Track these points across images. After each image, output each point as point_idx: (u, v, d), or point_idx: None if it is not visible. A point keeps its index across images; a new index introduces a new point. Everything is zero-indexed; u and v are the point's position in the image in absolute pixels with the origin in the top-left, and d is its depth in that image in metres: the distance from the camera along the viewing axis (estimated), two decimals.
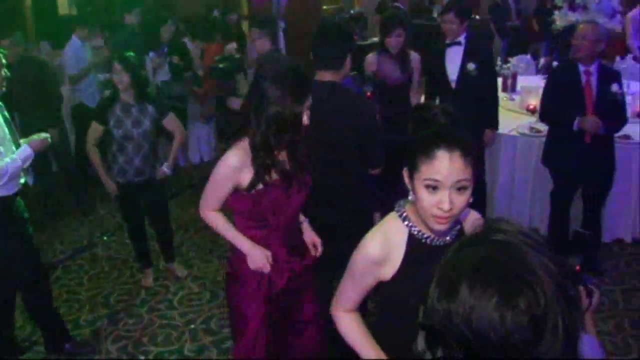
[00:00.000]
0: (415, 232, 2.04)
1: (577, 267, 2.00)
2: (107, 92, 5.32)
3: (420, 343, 1.08)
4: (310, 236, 3.07)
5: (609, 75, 4.76)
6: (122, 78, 4.44)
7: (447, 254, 1.12)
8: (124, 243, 5.72)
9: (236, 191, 2.74)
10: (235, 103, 5.25)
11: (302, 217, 3.05)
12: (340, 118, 3.32)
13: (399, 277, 2.06)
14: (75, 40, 6.66)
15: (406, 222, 2.05)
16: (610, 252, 5.39)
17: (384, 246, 2.06)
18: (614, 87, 4.68)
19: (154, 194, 4.86)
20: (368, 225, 2.50)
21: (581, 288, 1.86)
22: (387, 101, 5.14)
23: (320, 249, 3.03)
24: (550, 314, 1.00)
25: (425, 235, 2.03)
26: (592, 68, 4.69)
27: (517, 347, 0.99)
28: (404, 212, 2.07)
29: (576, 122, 4.60)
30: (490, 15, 12.06)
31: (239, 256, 2.90)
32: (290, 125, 2.61)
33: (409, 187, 1.96)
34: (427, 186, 1.85)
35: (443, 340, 1.03)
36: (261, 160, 2.66)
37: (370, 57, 5.28)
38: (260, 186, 2.70)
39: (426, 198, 1.86)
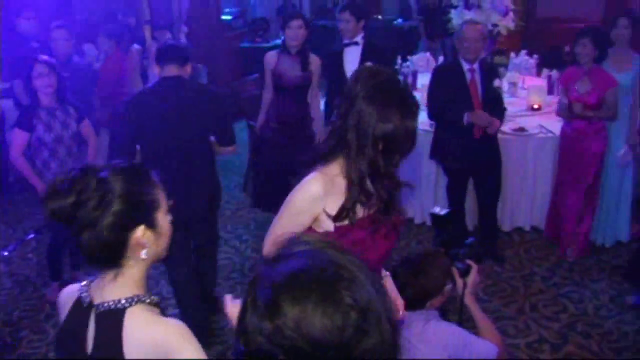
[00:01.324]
0: None
1: (442, 249, 2.07)
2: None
3: None
4: (392, 293, 2.47)
5: (490, 71, 5.05)
6: (48, 81, 4.33)
7: (257, 273, 1.12)
8: (26, 258, 5.53)
9: (310, 228, 2.30)
10: None
11: (384, 272, 2.54)
12: (189, 108, 3.72)
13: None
14: None
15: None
16: (510, 240, 5.61)
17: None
18: (496, 82, 4.96)
19: None
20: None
21: (454, 269, 1.94)
22: (285, 101, 5.15)
23: (402, 310, 2.41)
24: (372, 303, 1.05)
25: None
26: (476, 66, 4.92)
27: (352, 342, 1.02)
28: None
29: (465, 117, 4.79)
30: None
31: None
32: (403, 145, 2.22)
33: None
34: None
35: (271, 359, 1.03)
36: (357, 192, 2.23)
37: (270, 55, 5.21)
38: (345, 222, 2.26)
39: None
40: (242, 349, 1.07)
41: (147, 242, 1.70)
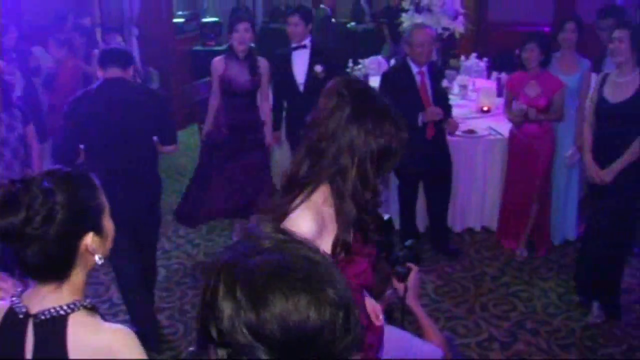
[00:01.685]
0: None
1: (383, 254, 2.05)
2: None
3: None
4: (370, 304, 2.30)
5: (437, 73, 5.19)
6: None
7: (217, 264, 1.11)
8: None
9: None
10: None
11: None
12: (132, 108, 3.82)
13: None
14: None
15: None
16: (462, 241, 5.67)
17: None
18: (445, 82, 5.05)
19: None
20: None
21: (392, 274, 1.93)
22: (234, 106, 5.10)
23: (381, 317, 2.27)
24: (351, 301, 1.07)
25: None
26: (425, 68, 5.00)
27: (337, 338, 1.03)
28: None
29: (420, 117, 4.84)
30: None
31: None
32: (396, 158, 2.04)
33: None
34: None
35: (248, 351, 1.02)
36: (353, 219, 1.99)
37: (217, 61, 5.14)
38: (342, 255, 2.00)
39: None
40: (202, 342, 1.07)
41: (96, 248, 1.67)
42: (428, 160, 4.96)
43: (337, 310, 1.03)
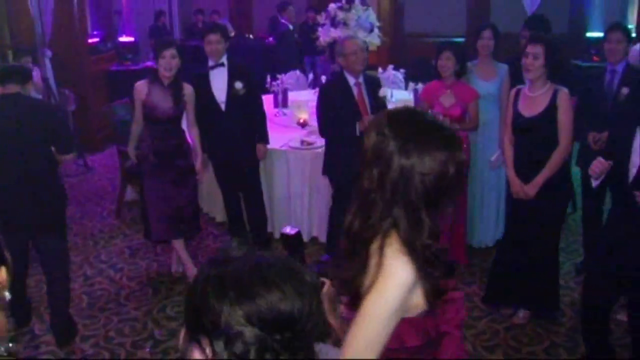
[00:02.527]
0: None
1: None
2: None
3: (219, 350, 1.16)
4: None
5: (374, 83, 5.25)
6: None
7: (205, 272, 1.23)
8: None
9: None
10: None
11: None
12: (26, 121, 4.02)
13: None
14: None
15: None
16: None
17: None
18: (382, 92, 5.15)
19: None
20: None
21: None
22: (157, 133, 4.94)
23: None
24: (319, 288, 1.25)
25: None
26: (361, 79, 5.07)
27: (309, 318, 1.17)
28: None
29: (358, 126, 4.88)
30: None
31: None
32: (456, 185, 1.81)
33: None
34: None
35: (242, 336, 1.14)
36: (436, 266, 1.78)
37: (140, 85, 4.95)
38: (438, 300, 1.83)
39: None
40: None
41: (4, 280, 1.56)
42: None
43: (313, 292, 1.20)
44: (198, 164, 5.16)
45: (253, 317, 1.14)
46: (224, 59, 5.23)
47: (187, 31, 12.87)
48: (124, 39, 10.86)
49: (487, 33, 5.37)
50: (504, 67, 5.45)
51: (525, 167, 4.27)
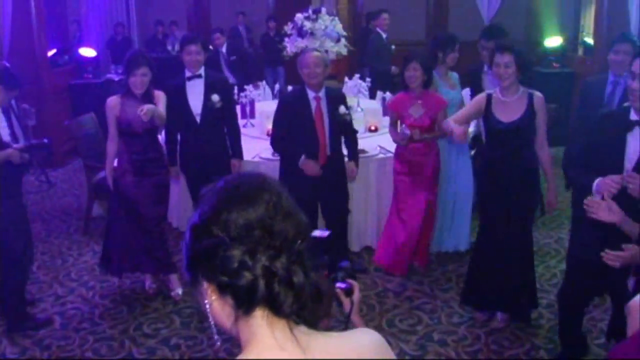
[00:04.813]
0: None
1: (325, 272, 2.04)
2: None
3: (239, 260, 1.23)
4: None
5: (336, 98, 5.13)
6: None
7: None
8: None
9: None
10: None
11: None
12: None
13: None
14: None
15: None
16: (361, 259, 5.74)
17: None
18: (342, 109, 5.05)
19: None
20: None
21: (338, 291, 1.93)
22: (137, 146, 4.86)
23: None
24: (283, 200, 1.33)
25: None
26: (322, 93, 5.00)
27: (273, 223, 1.26)
28: None
29: (300, 161, 4.91)
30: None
31: None
32: None
33: None
34: None
35: (221, 243, 1.22)
36: None
37: (112, 101, 4.85)
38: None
39: None
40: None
41: None
42: (323, 183, 4.95)
43: (268, 200, 1.28)
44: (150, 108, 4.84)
45: (224, 228, 1.23)
46: (202, 71, 5.19)
47: (146, 42, 12.73)
48: (83, 51, 10.63)
49: (458, 46, 5.56)
50: (454, 75, 5.68)
51: (499, 170, 4.34)
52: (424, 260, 5.51)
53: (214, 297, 1.25)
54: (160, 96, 4.91)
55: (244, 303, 1.22)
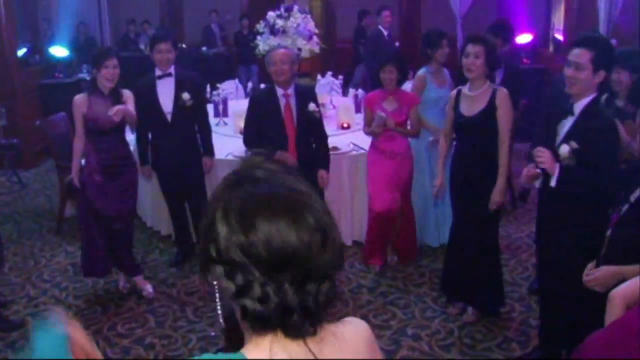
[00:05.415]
0: None
1: None
2: None
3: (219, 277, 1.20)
4: None
5: (305, 95, 5.13)
6: None
7: (220, 188, 1.26)
8: None
9: None
10: None
11: None
12: None
13: None
14: None
15: None
16: None
17: None
18: (311, 106, 5.05)
19: None
20: None
21: None
22: (103, 146, 4.81)
23: None
24: (328, 226, 1.22)
25: None
26: (290, 90, 5.01)
27: (313, 256, 1.18)
28: None
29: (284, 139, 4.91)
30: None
31: None
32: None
33: None
34: None
35: (242, 267, 1.16)
36: None
37: (79, 98, 4.81)
38: None
39: None
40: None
41: None
42: None
43: (315, 233, 1.18)
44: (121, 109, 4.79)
45: (247, 250, 1.15)
46: (172, 69, 5.17)
47: (118, 41, 12.64)
48: (54, 50, 10.52)
49: (445, 42, 5.56)
50: (446, 72, 5.68)
51: (469, 164, 4.39)
52: (412, 255, 5.58)
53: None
54: (129, 96, 4.87)
55: (256, 325, 1.20)
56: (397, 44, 9.70)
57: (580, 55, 3.43)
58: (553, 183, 3.50)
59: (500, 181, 4.30)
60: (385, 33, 9.67)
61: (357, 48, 10.80)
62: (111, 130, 4.79)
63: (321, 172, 5.10)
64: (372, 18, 10.53)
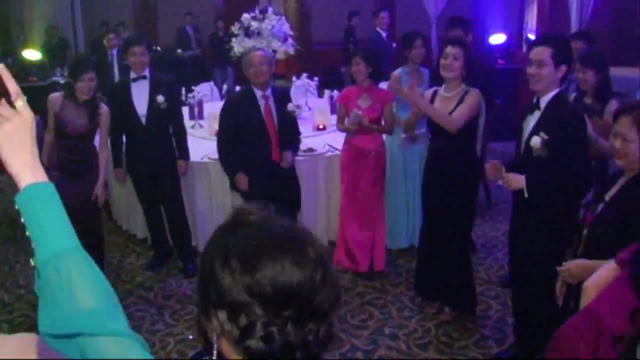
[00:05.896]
0: None
1: None
2: None
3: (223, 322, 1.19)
4: None
5: (282, 97, 5.16)
6: None
7: (215, 238, 1.26)
8: None
9: None
10: None
11: None
12: None
13: None
14: None
15: None
16: None
17: None
18: (290, 106, 5.07)
19: None
20: None
21: None
22: (65, 147, 4.80)
23: None
24: (328, 261, 1.23)
25: None
26: (269, 92, 5.00)
27: (315, 292, 1.18)
28: None
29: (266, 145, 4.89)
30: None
31: None
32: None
33: None
34: None
35: (245, 308, 1.16)
36: None
37: (54, 97, 4.84)
38: None
39: None
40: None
41: None
42: (276, 184, 4.92)
43: (316, 266, 1.19)
44: (99, 188, 4.92)
45: (254, 289, 1.15)
46: (146, 72, 5.15)
47: (92, 44, 12.53)
48: (27, 53, 10.41)
49: (418, 42, 5.61)
50: (426, 72, 5.71)
51: (441, 164, 4.45)
52: (383, 263, 5.47)
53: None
54: (105, 111, 4.90)
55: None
56: (394, 45, 9.68)
57: (540, 52, 3.54)
58: (526, 195, 3.57)
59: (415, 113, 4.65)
60: (384, 35, 9.62)
61: (348, 48, 10.80)
62: (76, 136, 4.80)
63: (286, 153, 5.00)
64: (360, 18, 10.55)
